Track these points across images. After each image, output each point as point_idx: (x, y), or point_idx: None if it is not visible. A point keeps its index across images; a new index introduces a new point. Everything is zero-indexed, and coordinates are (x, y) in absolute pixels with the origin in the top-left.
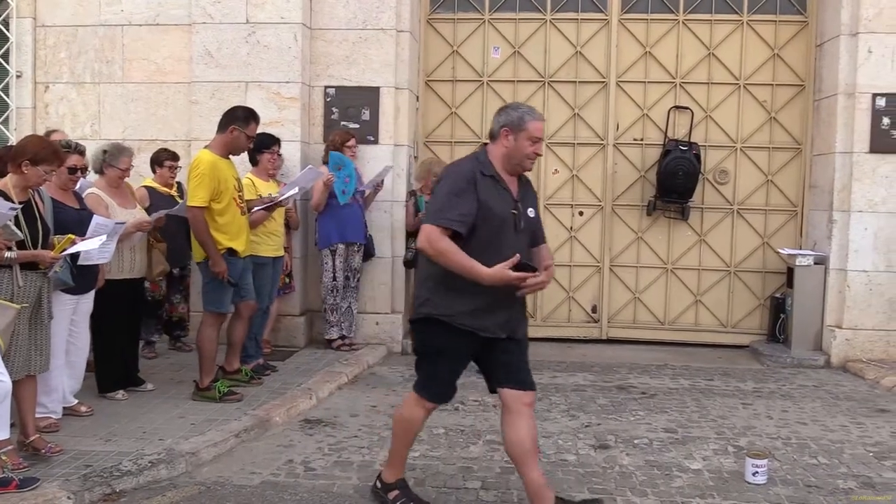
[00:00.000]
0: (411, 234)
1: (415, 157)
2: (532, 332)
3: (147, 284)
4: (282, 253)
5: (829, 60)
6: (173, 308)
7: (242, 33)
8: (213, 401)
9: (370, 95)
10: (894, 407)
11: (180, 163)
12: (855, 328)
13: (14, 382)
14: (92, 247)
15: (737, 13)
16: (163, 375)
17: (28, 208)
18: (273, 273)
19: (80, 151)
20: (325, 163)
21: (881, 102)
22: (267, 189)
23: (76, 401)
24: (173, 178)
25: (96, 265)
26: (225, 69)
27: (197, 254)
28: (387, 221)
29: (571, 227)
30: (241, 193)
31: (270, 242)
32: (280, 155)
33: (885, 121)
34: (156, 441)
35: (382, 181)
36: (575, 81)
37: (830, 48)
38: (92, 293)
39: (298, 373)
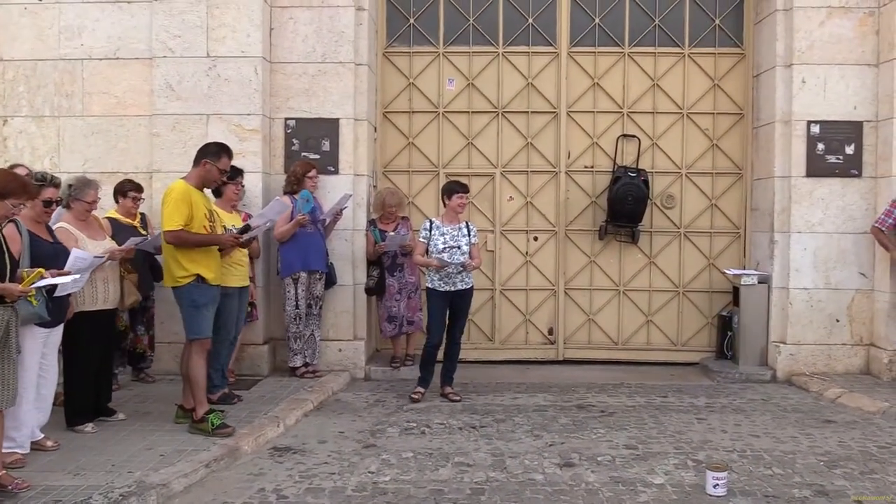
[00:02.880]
0: (372, 263)
1: (374, 187)
2: (491, 355)
3: None
4: (247, 283)
5: (766, 90)
6: (137, 339)
7: (203, 67)
8: (206, 433)
9: (330, 127)
10: (839, 418)
11: (143, 195)
12: (798, 343)
13: None
14: (64, 280)
15: (678, 46)
16: (128, 407)
17: None
18: (239, 303)
19: (56, 184)
20: (287, 192)
21: (815, 129)
22: (230, 220)
23: (42, 435)
24: (136, 209)
25: (67, 296)
26: (186, 102)
27: (168, 280)
28: (348, 250)
29: (527, 253)
30: (212, 224)
31: (236, 273)
32: (243, 186)
33: (820, 146)
34: (125, 473)
35: (342, 210)
36: (527, 112)
37: (767, 79)
38: (62, 325)
39: (264, 401)
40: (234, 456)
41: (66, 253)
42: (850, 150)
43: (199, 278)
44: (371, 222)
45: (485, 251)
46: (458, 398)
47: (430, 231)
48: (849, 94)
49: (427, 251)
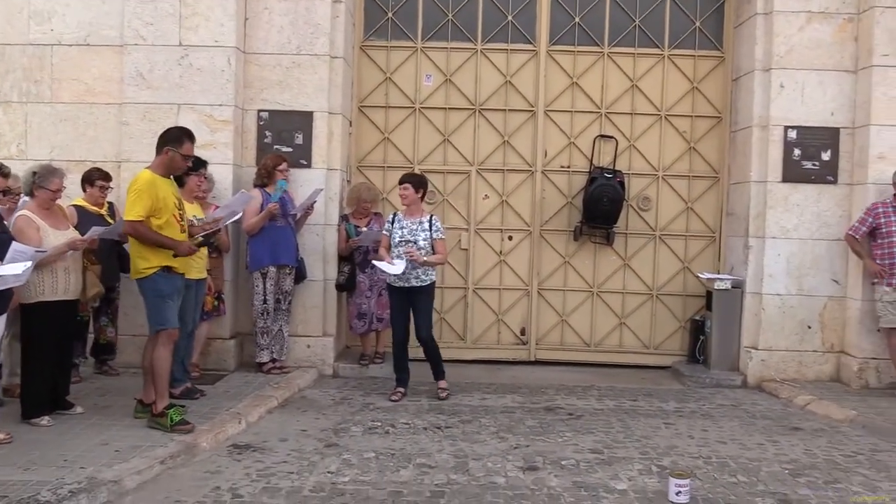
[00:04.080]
0: (343, 258)
1: (348, 182)
2: (462, 354)
3: None
4: (205, 275)
5: (745, 94)
6: (101, 331)
7: (175, 56)
8: (165, 429)
9: (303, 120)
10: (807, 425)
11: (112, 184)
12: (769, 349)
13: None
14: (8, 272)
15: (658, 48)
16: (88, 400)
17: None
18: (196, 295)
19: (4, 174)
20: (258, 185)
21: (793, 134)
22: (192, 211)
23: None
24: (104, 198)
25: (8, 287)
26: (157, 91)
27: (134, 272)
28: (319, 244)
29: (501, 252)
30: (181, 212)
31: (194, 265)
32: (206, 178)
33: (797, 152)
34: (77, 469)
35: (313, 204)
36: (505, 110)
37: (745, 82)
38: (5, 315)
39: (228, 397)
40: (191, 453)
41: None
42: (826, 156)
43: (165, 268)
44: (344, 217)
45: (458, 249)
46: (444, 394)
47: (392, 224)
48: (826, 100)
49: (390, 244)
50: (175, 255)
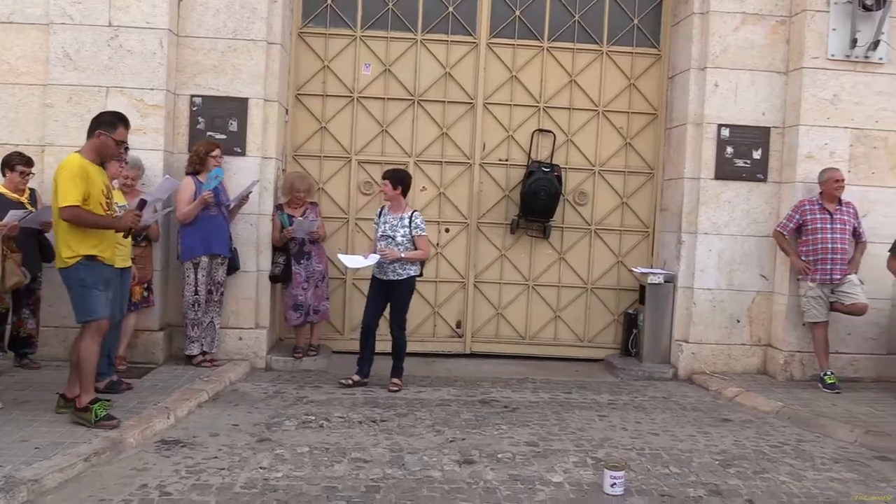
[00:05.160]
0: (278, 249)
1: (283, 171)
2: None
3: None
4: (129, 264)
5: (680, 92)
6: (21, 323)
7: (104, 36)
8: (89, 424)
9: (238, 106)
10: (736, 416)
11: (33, 169)
12: (700, 342)
13: None
14: None
15: (597, 44)
16: (6, 395)
17: None
18: (122, 285)
19: None
20: (190, 173)
21: (726, 133)
22: (115, 198)
23: None
24: (24, 184)
25: None
26: (84, 73)
27: (58, 261)
28: (252, 235)
29: (438, 244)
30: (109, 200)
31: (118, 253)
32: (127, 162)
33: (729, 150)
34: None
35: (248, 195)
36: (444, 101)
37: (681, 80)
38: None
39: (156, 390)
40: (117, 449)
41: None
42: (757, 154)
43: (89, 257)
44: (278, 207)
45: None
46: (395, 388)
47: (379, 217)
48: (758, 99)
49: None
50: (118, 231)
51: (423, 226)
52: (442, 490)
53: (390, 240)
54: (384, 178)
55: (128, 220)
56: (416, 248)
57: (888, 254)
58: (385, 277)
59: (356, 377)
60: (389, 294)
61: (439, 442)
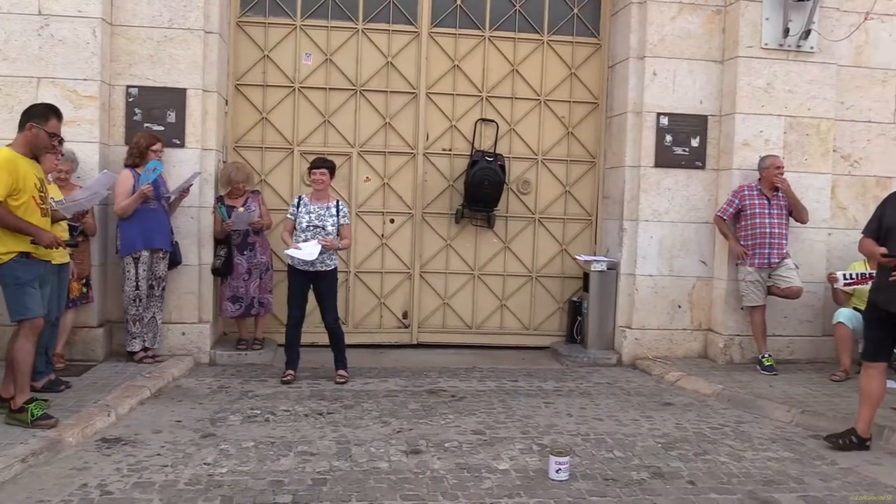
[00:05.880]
0: (220, 241)
1: (223, 162)
2: (345, 339)
3: None
4: (67, 259)
5: (620, 81)
6: None
7: (34, 25)
8: (25, 425)
9: (176, 97)
10: (677, 400)
11: None
12: (643, 328)
13: None
14: None
15: (538, 33)
16: None
17: None
18: (59, 281)
19: None
20: (129, 166)
21: (664, 121)
22: (50, 193)
23: None
24: None
25: None
26: (14, 63)
27: None
28: (194, 227)
29: (383, 235)
30: (43, 195)
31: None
32: (63, 155)
33: (668, 138)
34: None
35: (189, 187)
36: (386, 91)
37: (621, 70)
38: None
39: (96, 388)
40: (55, 449)
41: None
42: (695, 142)
43: (24, 253)
44: (219, 199)
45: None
46: (342, 380)
47: (298, 207)
48: (696, 88)
49: (294, 228)
50: (33, 243)
51: (348, 214)
52: (389, 481)
53: (320, 230)
54: (320, 167)
55: (47, 238)
56: (341, 238)
57: (861, 235)
58: (312, 269)
59: (293, 372)
60: (317, 286)
61: (386, 433)
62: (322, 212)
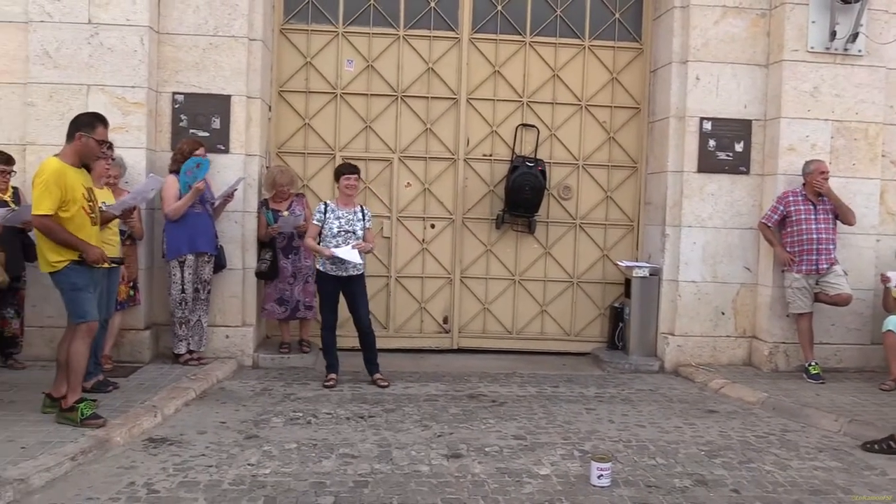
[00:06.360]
0: (264, 245)
1: (267, 168)
2: (385, 343)
3: None
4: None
5: (662, 86)
6: (5, 323)
7: (84, 34)
8: (75, 424)
9: (221, 103)
10: (721, 408)
11: (15, 168)
12: (685, 335)
13: None
14: None
15: (579, 38)
16: None
17: None
18: (109, 284)
19: None
20: (173, 171)
21: (707, 126)
22: (102, 197)
23: None
24: (6, 182)
25: None
26: (64, 71)
27: (44, 265)
28: (238, 232)
29: (423, 240)
30: (91, 203)
31: (107, 252)
32: (114, 160)
33: (711, 143)
34: None
35: (234, 192)
36: (427, 97)
37: (663, 74)
38: None
39: (142, 389)
40: (104, 448)
41: None
42: (739, 147)
43: (77, 261)
44: (263, 203)
45: (381, 237)
46: (385, 384)
47: (325, 214)
48: (740, 92)
49: (321, 234)
50: (80, 258)
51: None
52: (430, 484)
53: (351, 234)
54: (354, 172)
55: (95, 255)
56: (365, 241)
57: None
58: (345, 274)
59: (335, 376)
60: (349, 290)
61: (427, 437)
62: (351, 217)
